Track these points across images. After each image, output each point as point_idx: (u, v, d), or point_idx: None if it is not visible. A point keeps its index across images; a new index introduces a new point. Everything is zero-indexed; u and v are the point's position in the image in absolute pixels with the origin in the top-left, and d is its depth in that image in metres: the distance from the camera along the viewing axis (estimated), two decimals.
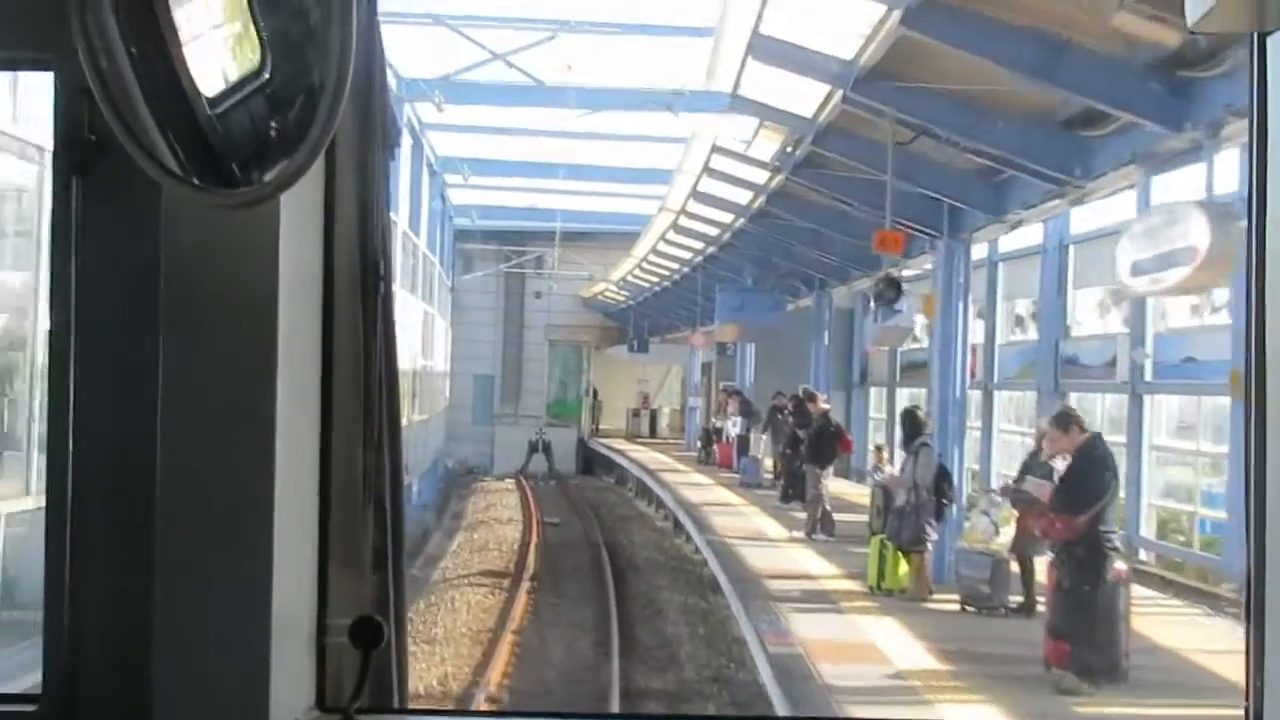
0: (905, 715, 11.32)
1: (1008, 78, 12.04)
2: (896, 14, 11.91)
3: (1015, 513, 14.80)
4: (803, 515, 25.34)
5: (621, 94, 27.24)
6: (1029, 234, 23.72)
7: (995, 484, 21.61)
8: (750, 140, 18.74)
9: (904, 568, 16.27)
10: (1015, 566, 15.00)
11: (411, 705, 2.36)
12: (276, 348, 1.89)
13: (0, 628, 10.08)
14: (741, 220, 23.81)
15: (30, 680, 2.19)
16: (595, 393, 57.05)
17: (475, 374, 53.97)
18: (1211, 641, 13.78)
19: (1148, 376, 21.01)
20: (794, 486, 27.89)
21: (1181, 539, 20.40)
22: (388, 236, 2.21)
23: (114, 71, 1.58)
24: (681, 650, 18.73)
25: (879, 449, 23.73)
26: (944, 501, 15.85)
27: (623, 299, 50.47)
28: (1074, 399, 27.18)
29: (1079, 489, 11.43)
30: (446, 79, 27.36)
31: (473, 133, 35.41)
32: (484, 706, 14.66)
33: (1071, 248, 24.38)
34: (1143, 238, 12.17)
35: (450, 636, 20.12)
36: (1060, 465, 14.02)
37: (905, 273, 25.70)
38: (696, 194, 23.48)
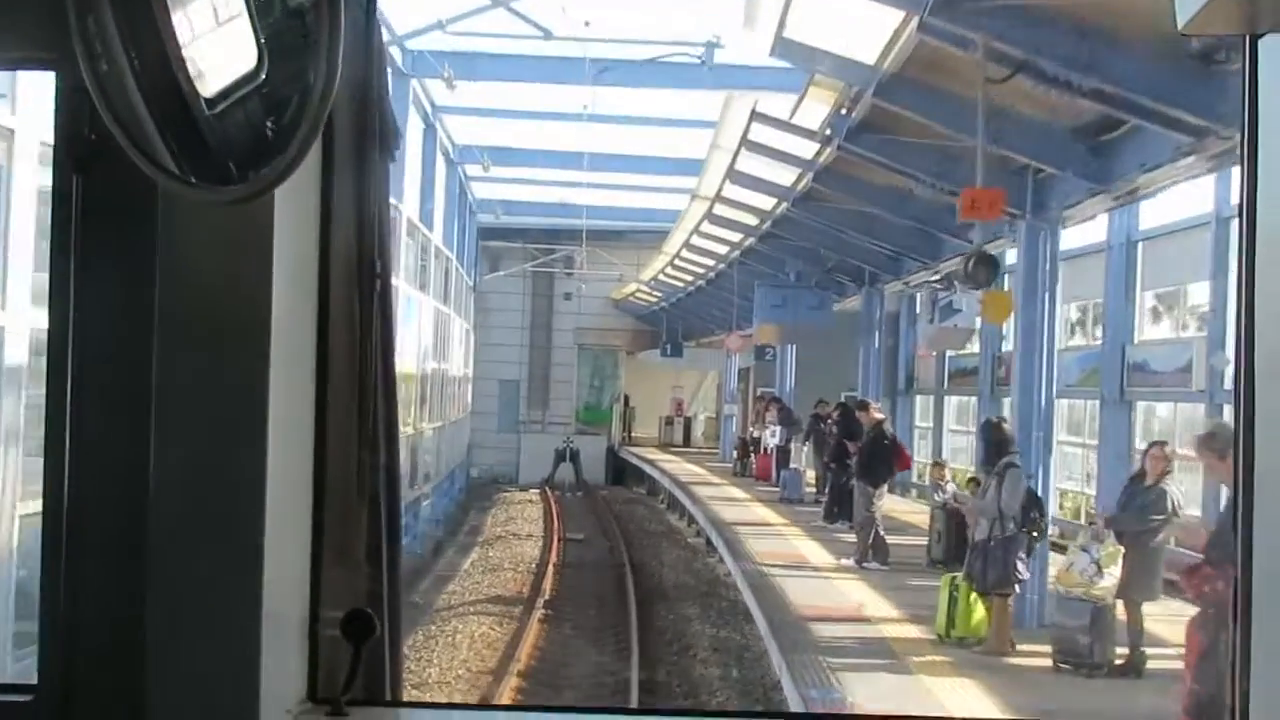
0: None
1: None
2: None
3: (1121, 549, 11.98)
4: (850, 538, 22.51)
5: (643, 66, 24.53)
6: (1085, 232, 22.14)
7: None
8: (797, 102, 15.97)
9: (979, 613, 13.42)
10: (1122, 614, 12.18)
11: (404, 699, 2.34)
12: (269, 342, 1.91)
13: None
14: (784, 205, 21.05)
15: None
16: (627, 399, 54.63)
17: (500, 379, 51.87)
18: None
19: (1228, 384, 18.23)
20: (839, 504, 25.07)
21: None
22: (386, 235, 2.21)
23: (113, 73, 1.62)
24: (712, 699, 16.03)
25: (939, 465, 20.89)
26: (1034, 534, 12.98)
27: (655, 300, 47.85)
28: (1140, 409, 24.84)
29: None
30: (455, 54, 24.70)
31: (488, 116, 32.88)
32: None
33: (1140, 245, 22.21)
34: None
35: (444, 679, 17.43)
36: (1175, 491, 11.43)
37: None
38: (733, 175, 20.71)
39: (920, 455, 33.24)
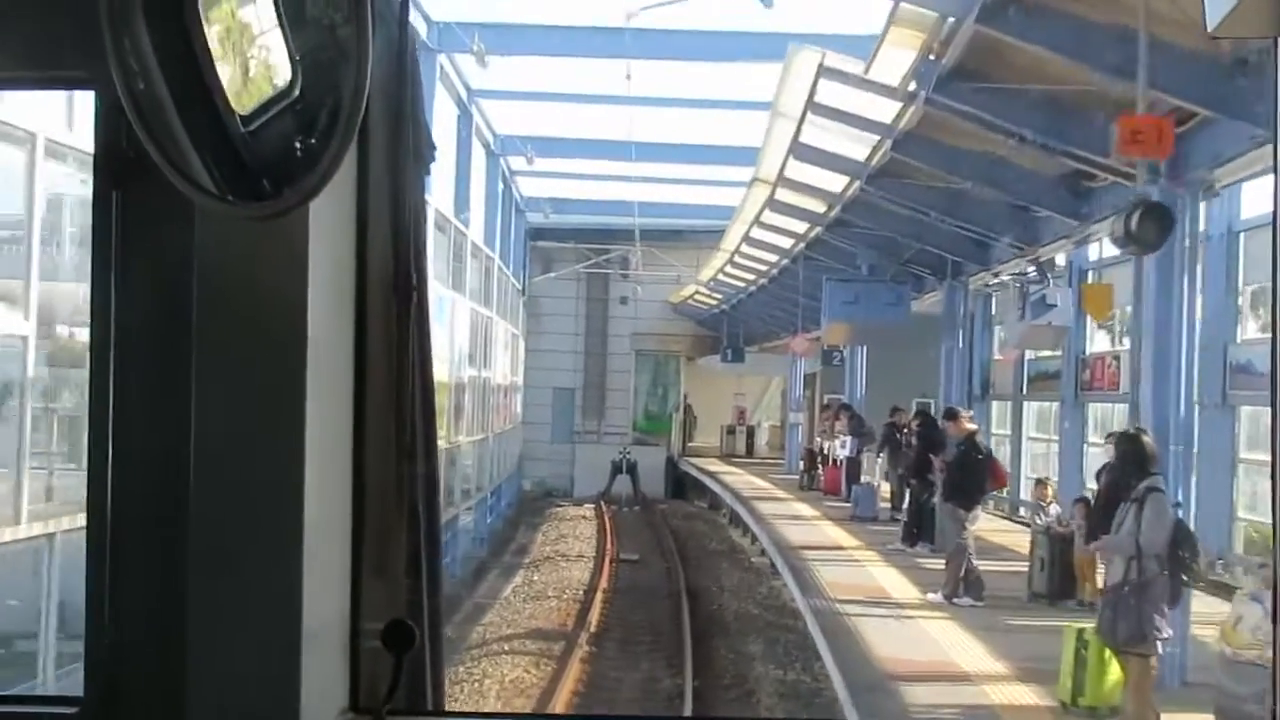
0: None
1: None
2: None
3: None
4: (934, 565, 19.74)
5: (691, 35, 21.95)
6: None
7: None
8: (875, 49, 13.25)
9: (1114, 675, 10.64)
10: None
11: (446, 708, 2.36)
12: (306, 355, 1.94)
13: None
14: (856, 185, 18.36)
15: None
16: (688, 408, 52.29)
17: (554, 387, 49.66)
18: None
19: None
20: (920, 525, 22.29)
21: None
22: (422, 246, 2.23)
23: (149, 92, 1.65)
24: None
25: (1041, 483, 18.07)
26: (1183, 577, 10.16)
27: (715, 302, 45.23)
28: (1244, 414, 22.31)
29: None
30: (485, 26, 22.21)
31: (527, 99, 30.43)
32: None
33: (1242, 235, 19.39)
34: None
35: None
36: None
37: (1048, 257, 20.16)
38: (798, 149, 18.04)
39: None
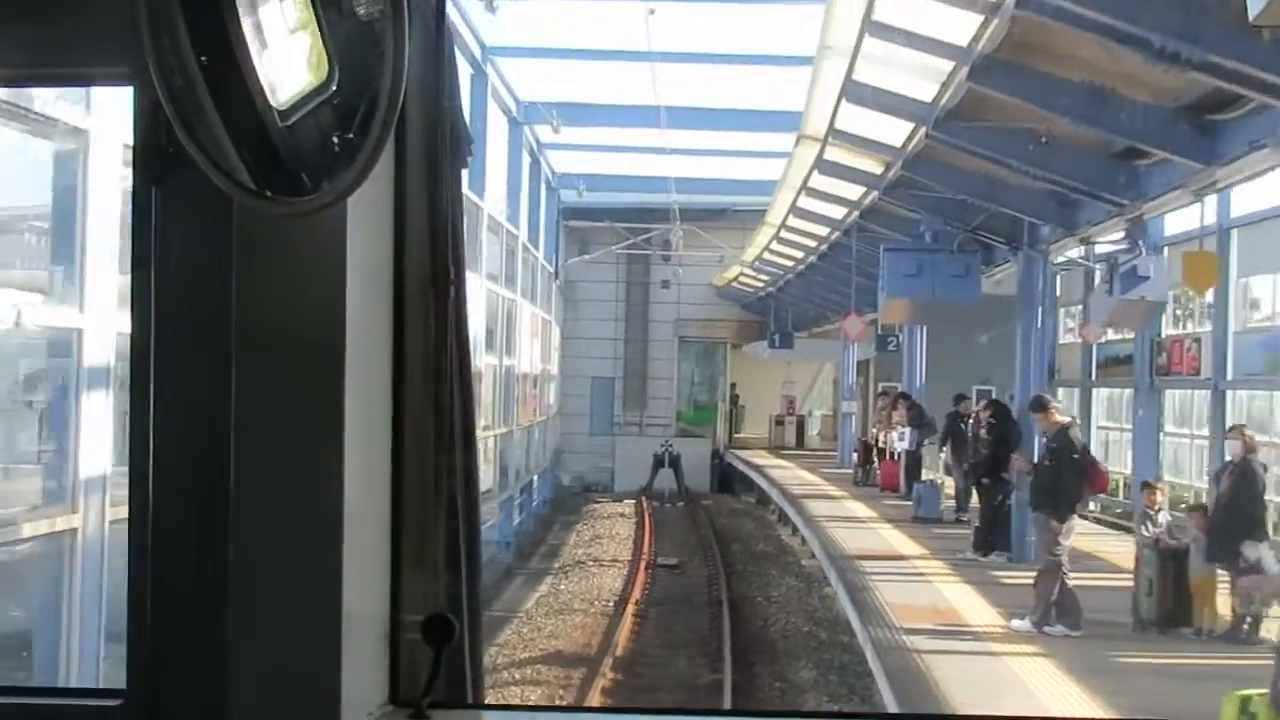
0: None
1: None
2: None
3: None
4: (1012, 579, 17.00)
5: None
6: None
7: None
8: None
9: None
10: None
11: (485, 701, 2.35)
12: (345, 349, 1.95)
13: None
14: (920, 134, 15.51)
15: None
16: (735, 398, 49.76)
17: (593, 376, 47.07)
18: None
19: None
20: (994, 531, 19.44)
21: None
22: (460, 240, 2.24)
23: (187, 88, 1.66)
24: None
25: (1150, 487, 15.17)
26: None
27: (761, 284, 42.37)
28: None
29: None
30: None
31: (546, 57, 27.68)
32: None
33: None
34: None
35: None
36: None
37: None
38: (850, 90, 15.11)
39: None
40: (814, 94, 17.04)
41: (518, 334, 30.13)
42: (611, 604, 23.03)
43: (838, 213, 24.77)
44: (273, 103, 1.68)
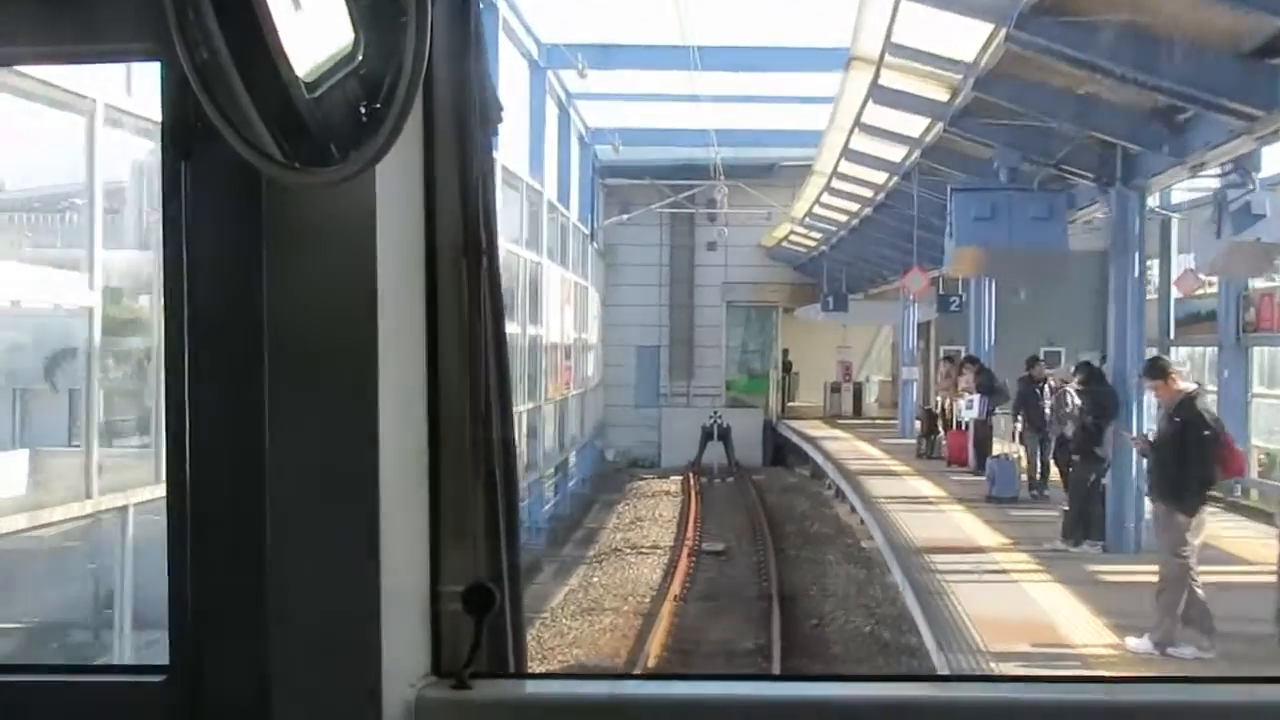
0: None
1: None
2: None
3: None
4: (1115, 577, 14.29)
5: None
6: None
7: None
8: None
9: None
10: None
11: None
12: (378, 319, 1.94)
13: None
14: (996, 44, 12.68)
15: None
16: (789, 365, 47.03)
17: (637, 345, 44.70)
18: None
19: None
20: (1087, 518, 16.63)
21: None
22: (491, 207, 2.22)
23: (213, 62, 1.66)
24: None
25: None
26: None
27: (813, 243, 39.57)
28: None
29: None
30: None
31: None
32: None
33: None
34: None
35: None
36: None
37: None
38: None
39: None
40: (866, 1, 14.19)
41: (544, 300, 27.49)
42: (647, 600, 20.49)
43: (896, 153, 21.84)
44: (299, 74, 1.68)
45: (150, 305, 11.10)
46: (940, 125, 17.64)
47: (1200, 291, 25.85)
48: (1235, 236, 14.87)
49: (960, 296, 30.06)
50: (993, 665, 10.77)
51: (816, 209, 32.62)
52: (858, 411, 44.99)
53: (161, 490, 2.25)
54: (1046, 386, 22.46)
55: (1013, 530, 18.14)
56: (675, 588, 21.16)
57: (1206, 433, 11.09)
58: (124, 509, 10.07)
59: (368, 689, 1.95)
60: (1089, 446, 16.23)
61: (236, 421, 1.94)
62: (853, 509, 25.71)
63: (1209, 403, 16.23)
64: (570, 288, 32.22)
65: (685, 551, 24.71)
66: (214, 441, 1.96)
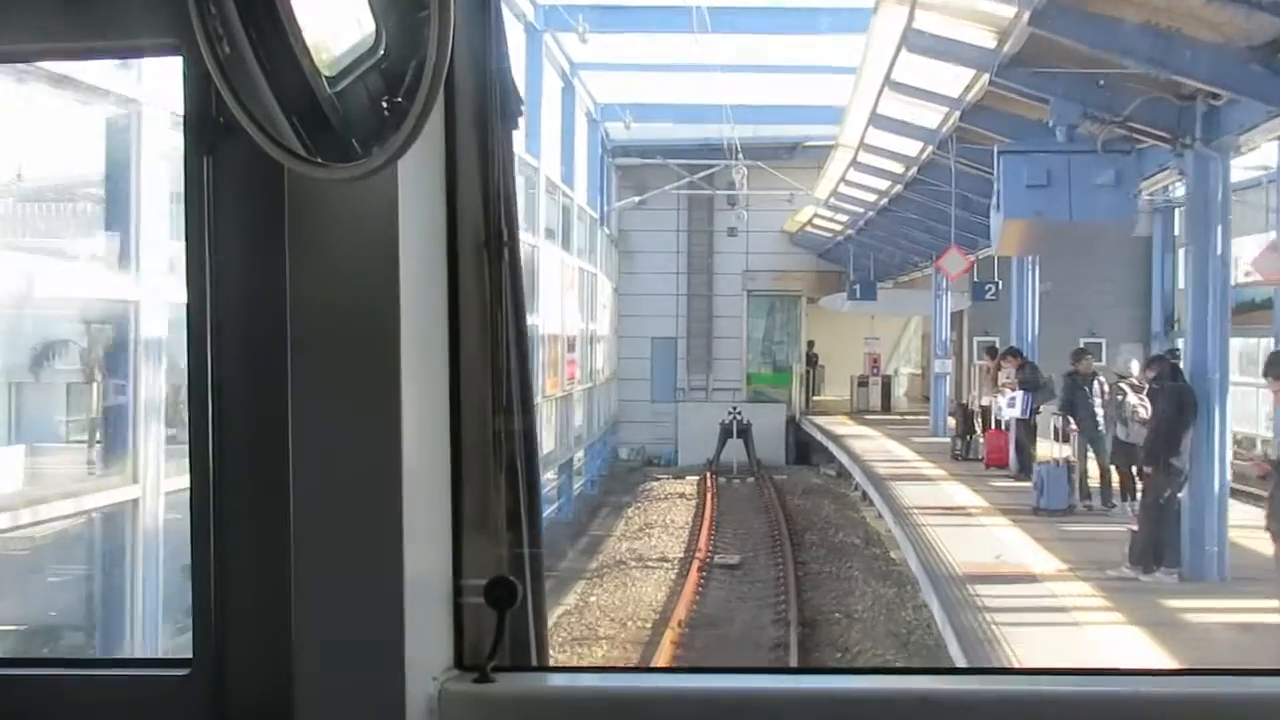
0: None
1: None
2: None
3: None
4: (1198, 616, 11.77)
5: None
6: None
7: None
8: None
9: None
10: None
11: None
12: (400, 312, 1.95)
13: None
14: None
15: None
16: (814, 357, 44.80)
17: (653, 336, 42.49)
18: None
19: None
20: (1159, 538, 14.07)
21: None
22: (512, 201, 2.23)
23: (235, 56, 1.70)
24: None
25: None
26: None
27: (838, 227, 37.12)
28: None
29: None
30: None
31: None
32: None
33: None
34: None
35: None
36: None
37: None
38: None
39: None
40: None
41: (541, 287, 25.02)
42: (647, 627, 18.12)
43: (931, 118, 19.24)
44: (321, 69, 1.69)
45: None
46: (985, 78, 15.02)
47: (1254, 278, 23.76)
48: None
49: (996, 284, 28.20)
50: None
51: (842, 188, 30.08)
52: (886, 406, 42.86)
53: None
54: (1096, 383, 20.03)
55: (1069, 551, 15.59)
56: (680, 611, 18.75)
57: None
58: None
59: (390, 682, 1.96)
60: (1164, 455, 13.68)
61: (260, 416, 1.97)
62: (880, 514, 23.30)
63: None
64: (575, 274, 29.76)
65: (695, 566, 22.33)
66: (238, 436, 1.99)
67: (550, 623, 18.88)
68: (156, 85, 8.60)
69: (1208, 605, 12.16)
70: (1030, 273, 24.28)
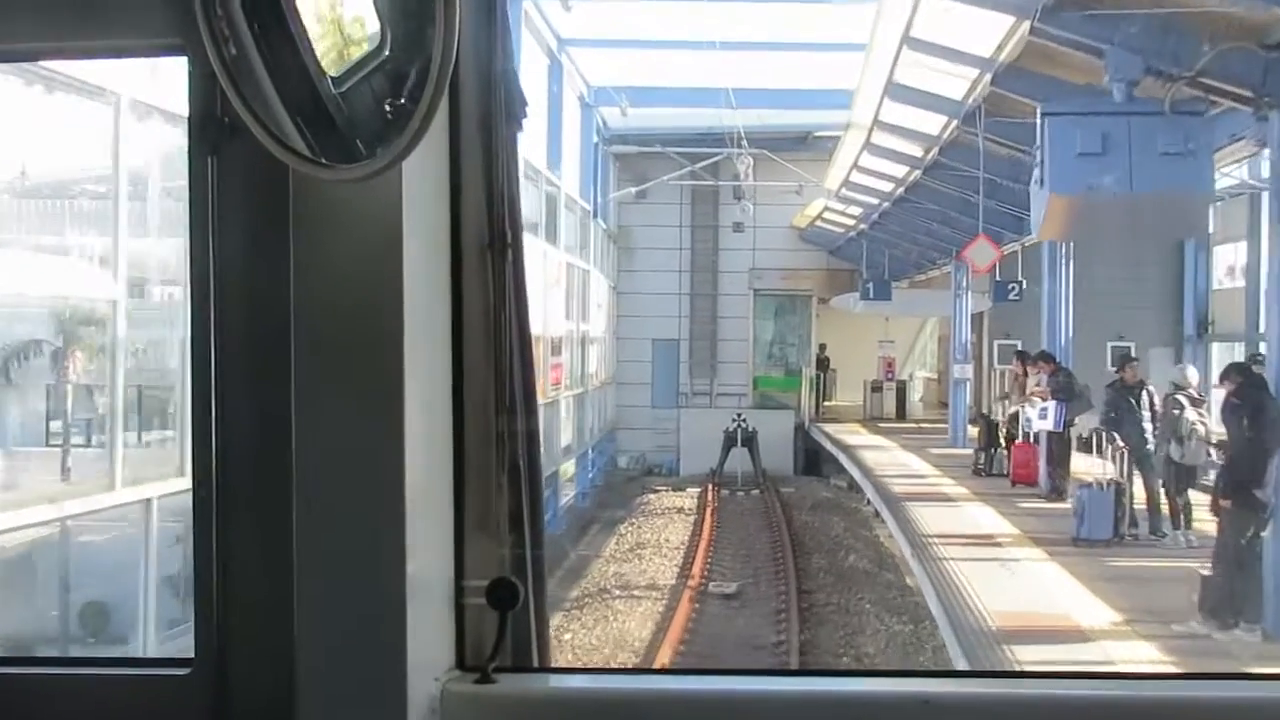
0: None
1: None
2: None
3: None
4: None
5: None
6: None
7: None
8: None
9: None
10: None
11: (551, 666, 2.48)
12: (403, 313, 1.95)
13: None
14: None
15: None
16: (825, 361, 42.66)
17: (654, 338, 40.46)
18: None
19: None
20: (1241, 588, 11.53)
21: None
22: (516, 203, 2.23)
23: (240, 57, 1.70)
24: None
25: None
26: None
27: (851, 222, 34.86)
28: None
29: None
30: None
31: None
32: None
33: None
34: None
35: None
36: None
37: None
38: None
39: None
40: None
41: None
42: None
43: (956, 86, 16.70)
44: (326, 70, 1.71)
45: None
46: (1025, 28, 12.46)
47: None
48: None
49: (1020, 283, 26.34)
50: None
51: (855, 176, 27.62)
52: (901, 414, 40.63)
53: None
54: (1144, 394, 17.50)
55: (1122, 596, 13.07)
56: (664, 653, 16.35)
57: None
58: None
59: (392, 682, 1.97)
60: (1247, 485, 11.13)
61: (263, 415, 1.97)
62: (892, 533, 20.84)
63: None
64: (561, 270, 27.30)
65: (687, 596, 19.98)
66: (241, 435, 2.00)
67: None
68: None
69: None
70: (1063, 268, 21.83)
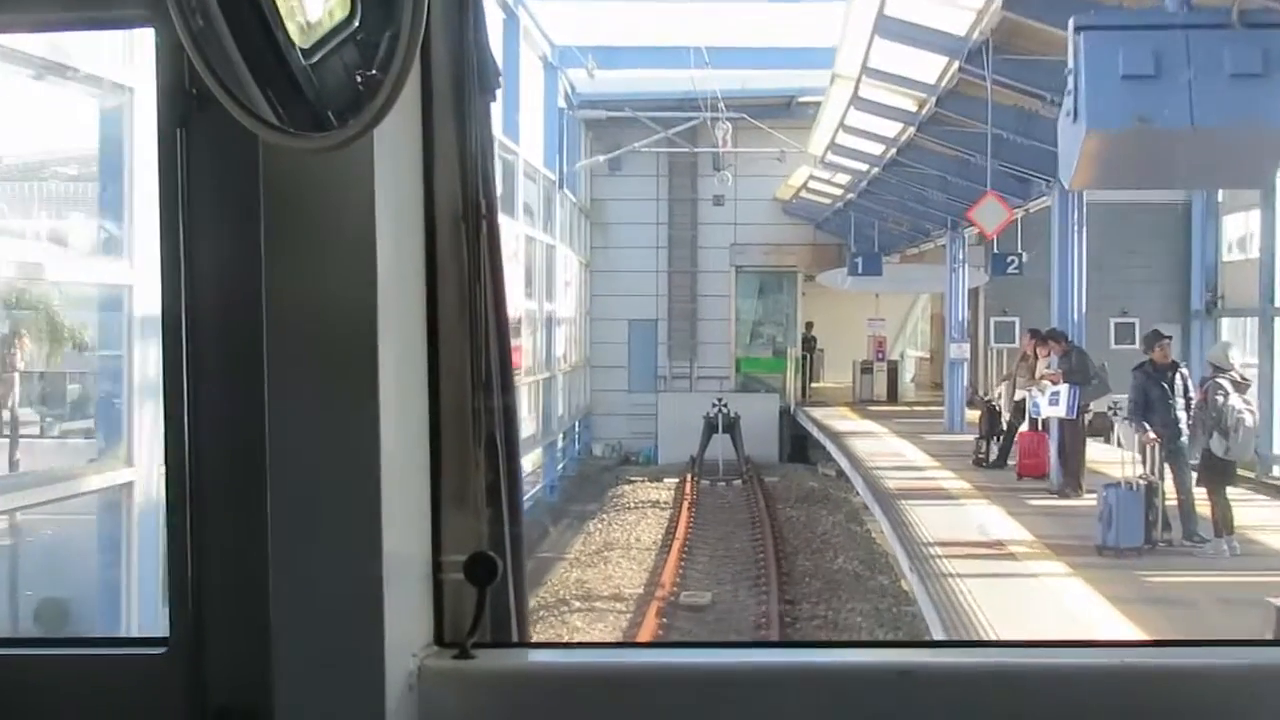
0: None
1: None
2: None
3: None
4: None
5: None
6: None
7: None
8: None
9: None
10: None
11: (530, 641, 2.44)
12: (377, 285, 1.93)
13: None
14: None
15: None
16: (811, 341, 41.04)
17: (630, 318, 38.71)
18: None
19: None
20: None
21: None
22: (490, 174, 2.22)
23: (208, 28, 1.66)
24: None
25: None
26: None
27: (838, 192, 32.92)
28: None
29: None
30: None
31: None
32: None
33: None
34: None
35: None
36: None
37: None
38: None
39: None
40: None
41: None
42: None
43: (959, 18, 14.30)
44: (295, 41, 1.68)
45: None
46: None
47: None
48: None
49: (1020, 255, 25.21)
50: None
51: (841, 137, 25.29)
52: (893, 396, 38.85)
53: None
54: (1178, 377, 15.19)
55: (1165, 620, 10.78)
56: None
57: None
58: None
59: (370, 659, 1.95)
60: None
61: (236, 390, 1.96)
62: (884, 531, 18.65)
63: None
64: (519, 244, 24.95)
65: (654, 609, 17.84)
66: (214, 411, 1.98)
67: None
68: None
69: None
70: (1073, 236, 19.54)
